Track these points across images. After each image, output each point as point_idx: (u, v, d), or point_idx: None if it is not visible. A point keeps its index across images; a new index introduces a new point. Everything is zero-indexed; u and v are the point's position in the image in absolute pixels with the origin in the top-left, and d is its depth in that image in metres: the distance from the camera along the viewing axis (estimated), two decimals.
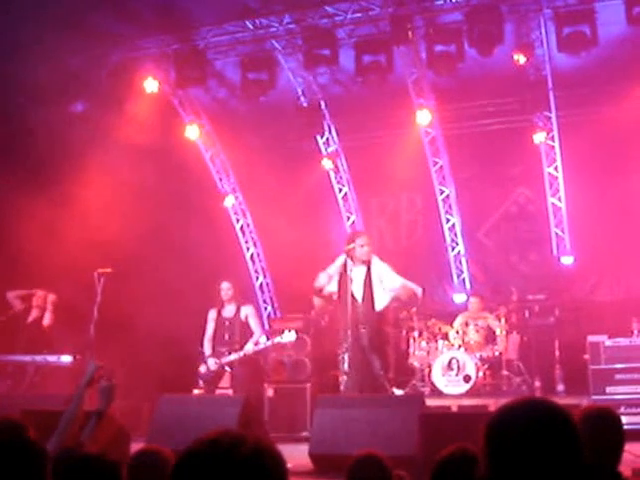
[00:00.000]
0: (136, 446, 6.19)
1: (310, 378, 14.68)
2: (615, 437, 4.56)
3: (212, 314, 12.86)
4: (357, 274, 11.28)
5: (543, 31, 15.02)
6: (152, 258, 15.21)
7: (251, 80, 15.72)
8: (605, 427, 4.55)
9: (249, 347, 12.50)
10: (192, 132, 17.45)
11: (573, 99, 16.46)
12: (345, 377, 10.91)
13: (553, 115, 16.43)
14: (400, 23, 14.43)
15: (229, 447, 2.16)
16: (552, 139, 16.66)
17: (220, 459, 2.13)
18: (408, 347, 15.15)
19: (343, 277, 11.21)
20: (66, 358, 13.12)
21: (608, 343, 12.63)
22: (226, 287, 12.78)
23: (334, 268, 11.29)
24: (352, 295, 11.08)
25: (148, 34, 15.76)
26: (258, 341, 12.69)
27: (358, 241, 11.26)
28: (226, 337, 12.60)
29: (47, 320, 13.98)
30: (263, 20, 15.52)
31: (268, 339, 12.95)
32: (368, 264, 11.34)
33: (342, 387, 11.05)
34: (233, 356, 12.39)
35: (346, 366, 10.93)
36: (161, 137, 15.72)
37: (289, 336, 12.69)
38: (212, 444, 2.18)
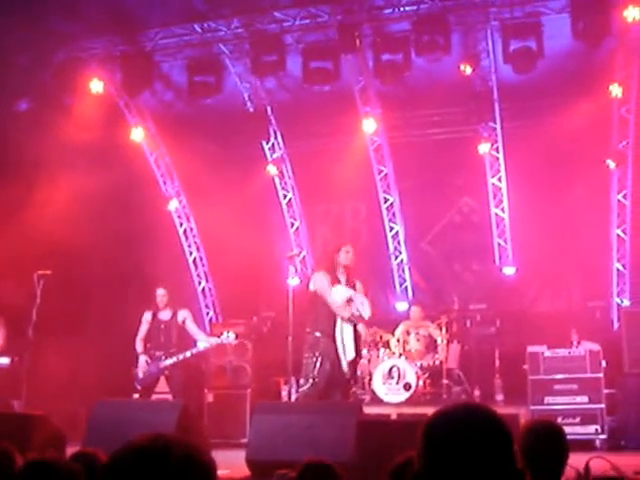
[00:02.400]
0: (72, 450, 6.10)
1: (251, 384, 14.63)
2: (559, 449, 4.60)
3: (147, 316, 12.60)
4: (343, 280, 11.27)
5: (490, 42, 15.15)
6: (95, 260, 15.08)
7: (198, 83, 15.66)
8: (548, 439, 4.59)
9: (201, 345, 12.42)
10: (137, 134, 17.29)
11: (518, 110, 16.63)
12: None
13: (498, 126, 16.58)
14: (348, 31, 14.47)
15: (159, 453, 2.11)
16: (496, 150, 16.80)
17: (149, 465, 2.09)
18: None
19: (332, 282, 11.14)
20: (3, 360, 12.97)
21: (547, 354, 12.77)
22: (161, 294, 12.54)
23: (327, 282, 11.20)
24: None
25: (95, 34, 15.61)
26: (207, 341, 12.58)
27: (344, 248, 11.32)
28: (162, 339, 12.42)
29: None
30: (211, 24, 15.47)
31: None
32: (349, 271, 11.32)
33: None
34: (173, 359, 12.24)
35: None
36: (106, 138, 15.55)
37: (229, 337, 12.59)
38: (141, 450, 2.13)
